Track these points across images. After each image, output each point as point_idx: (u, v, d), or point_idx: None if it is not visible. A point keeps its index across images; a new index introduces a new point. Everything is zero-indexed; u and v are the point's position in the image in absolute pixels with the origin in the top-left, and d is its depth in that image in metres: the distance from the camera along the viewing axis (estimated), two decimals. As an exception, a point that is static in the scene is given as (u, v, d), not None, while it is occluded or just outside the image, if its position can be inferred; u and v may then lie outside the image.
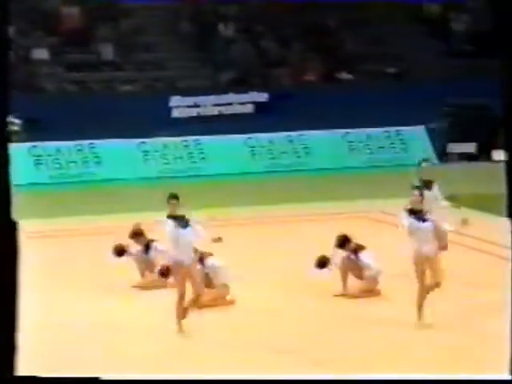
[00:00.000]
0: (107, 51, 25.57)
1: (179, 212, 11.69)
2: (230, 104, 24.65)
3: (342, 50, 26.30)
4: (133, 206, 18.91)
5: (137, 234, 14.04)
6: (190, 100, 24.52)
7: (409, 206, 12.00)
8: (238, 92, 24.76)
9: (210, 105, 24.60)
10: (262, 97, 24.67)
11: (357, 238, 13.80)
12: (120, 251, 13.89)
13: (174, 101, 24.42)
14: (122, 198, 20.32)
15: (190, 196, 20.29)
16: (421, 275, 11.80)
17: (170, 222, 11.57)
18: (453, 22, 27.21)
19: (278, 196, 20.13)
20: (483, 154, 24.54)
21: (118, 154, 22.98)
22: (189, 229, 11.59)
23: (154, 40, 25.93)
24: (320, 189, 20.97)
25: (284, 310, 12.50)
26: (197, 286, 11.65)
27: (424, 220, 11.86)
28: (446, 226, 12.62)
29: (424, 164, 14.82)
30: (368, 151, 24.28)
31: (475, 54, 26.07)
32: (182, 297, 11.59)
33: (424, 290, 11.80)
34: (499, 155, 24.52)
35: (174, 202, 11.78)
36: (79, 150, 23.15)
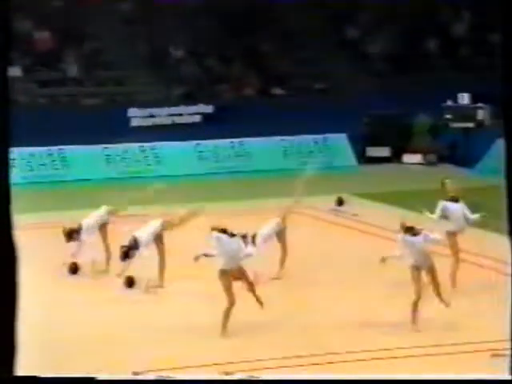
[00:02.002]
0: (72, 69, 25.33)
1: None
2: (181, 115, 24.58)
3: (276, 69, 26.37)
4: (96, 203, 18.72)
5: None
6: (146, 111, 24.40)
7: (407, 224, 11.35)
8: (187, 104, 24.68)
9: (163, 115, 24.51)
10: (208, 109, 24.62)
11: (289, 231, 13.83)
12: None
13: (132, 112, 24.27)
14: (87, 196, 20.10)
15: (146, 194, 20.29)
16: (417, 283, 11.25)
17: (215, 234, 11.33)
18: (370, 45, 27.41)
19: (222, 194, 20.09)
20: (395, 157, 24.74)
21: (83, 158, 22.78)
22: (235, 239, 11.31)
23: (114, 60, 25.72)
24: (259, 188, 20.99)
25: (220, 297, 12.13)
26: (249, 281, 11.37)
27: (415, 234, 11.33)
28: (436, 236, 11.94)
29: (447, 181, 13.93)
30: (299, 155, 24.34)
31: (389, 73, 26.31)
32: (230, 305, 11.14)
33: (419, 298, 11.22)
34: (409, 158, 24.77)
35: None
36: (49, 154, 22.91)
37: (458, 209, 13.33)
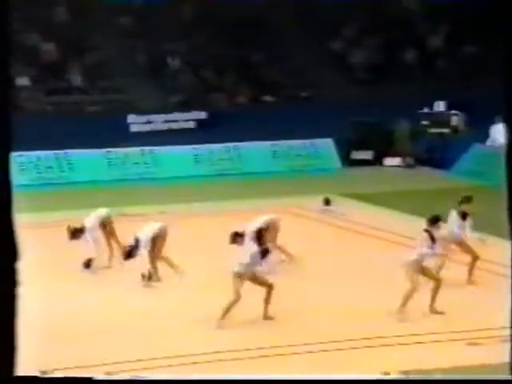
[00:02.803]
0: (76, 79, 25.31)
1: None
2: (177, 121, 24.58)
3: (267, 79, 26.40)
4: (99, 203, 18.70)
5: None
6: (145, 118, 24.40)
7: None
8: (183, 111, 24.69)
9: (160, 121, 24.51)
10: (203, 115, 24.63)
11: (281, 230, 13.84)
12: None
13: (131, 118, 24.27)
14: (91, 196, 20.08)
15: (146, 195, 20.35)
16: (411, 278, 11.17)
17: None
18: (353, 56, 27.47)
19: (217, 195, 20.11)
20: (377, 160, 24.79)
21: (87, 161, 22.77)
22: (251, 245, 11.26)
23: (115, 70, 25.72)
24: (251, 189, 21.02)
25: (217, 289, 11.93)
26: (263, 282, 11.26)
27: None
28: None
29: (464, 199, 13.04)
30: (289, 158, 24.34)
31: (371, 82, 26.37)
32: (235, 301, 11.02)
33: (412, 291, 11.15)
34: (389, 161, 24.82)
35: None
36: (56, 158, 22.89)
37: (462, 225, 12.99)
